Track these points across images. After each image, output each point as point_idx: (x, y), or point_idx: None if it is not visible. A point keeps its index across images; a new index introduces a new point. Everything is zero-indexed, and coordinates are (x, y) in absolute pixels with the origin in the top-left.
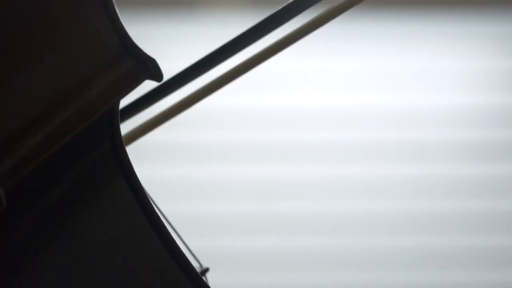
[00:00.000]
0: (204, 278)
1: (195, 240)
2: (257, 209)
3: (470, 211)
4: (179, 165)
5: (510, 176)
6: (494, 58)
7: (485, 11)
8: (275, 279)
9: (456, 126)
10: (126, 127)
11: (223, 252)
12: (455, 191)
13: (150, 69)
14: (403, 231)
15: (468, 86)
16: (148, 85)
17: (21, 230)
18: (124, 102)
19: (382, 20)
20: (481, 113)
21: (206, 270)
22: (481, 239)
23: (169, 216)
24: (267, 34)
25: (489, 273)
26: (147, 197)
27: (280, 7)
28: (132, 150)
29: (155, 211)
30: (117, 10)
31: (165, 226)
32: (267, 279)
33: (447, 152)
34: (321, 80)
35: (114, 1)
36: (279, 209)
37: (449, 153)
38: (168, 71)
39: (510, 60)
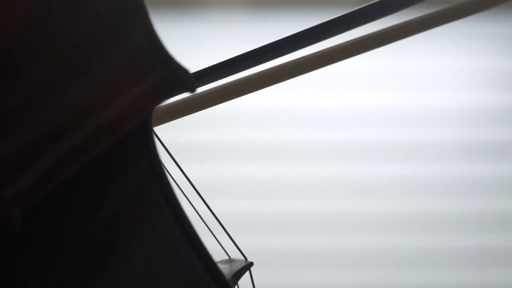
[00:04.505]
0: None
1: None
2: (257, 209)
3: (469, 210)
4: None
5: (510, 176)
6: (494, 58)
7: (485, 11)
8: (275, 279)
9: (456, 126)
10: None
11: (222, 251)
12: (455, 190)
13: (183, 79)
14: (403, 230)
15: (468, 86)
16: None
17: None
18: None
19: (382, 20)
20: (481, 113)
21: (251, 264)
22: (480, 239)
23: None
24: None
25: (489, 273)
26: (185, 214)
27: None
28: None
29: (194, 229)
30: (152, 20)
31: (203, 245)
32: (267, 278)
33: (446, 151)
34: (321, 80)
35: (149, 12)
36: (279, 208)
37: (449, 153)
38: None
39: (510, 60)
